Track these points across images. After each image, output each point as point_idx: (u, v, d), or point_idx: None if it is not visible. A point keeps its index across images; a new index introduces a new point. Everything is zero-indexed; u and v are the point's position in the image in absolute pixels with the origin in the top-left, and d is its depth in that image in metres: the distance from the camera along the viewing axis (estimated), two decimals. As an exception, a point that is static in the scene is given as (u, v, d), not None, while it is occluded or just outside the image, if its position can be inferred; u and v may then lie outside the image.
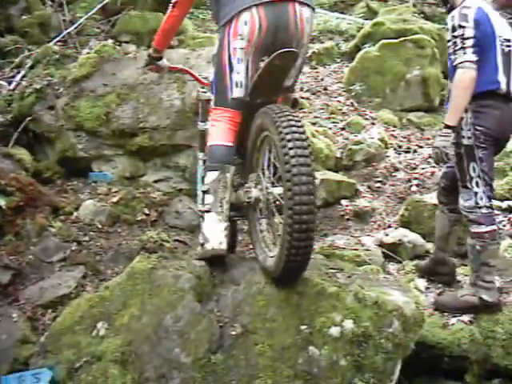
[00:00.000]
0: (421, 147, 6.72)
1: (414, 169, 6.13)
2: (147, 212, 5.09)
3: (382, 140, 6.43)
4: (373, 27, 9.17)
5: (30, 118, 5.84)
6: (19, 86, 6.37)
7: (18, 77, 6.81)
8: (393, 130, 7.14)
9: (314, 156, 5.61)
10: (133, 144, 5.61)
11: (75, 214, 4.99)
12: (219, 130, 3.50)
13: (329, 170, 5.78)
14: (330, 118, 7.25)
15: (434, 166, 6.19)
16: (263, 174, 3.33)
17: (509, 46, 3.88)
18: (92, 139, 5.70)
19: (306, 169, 2.88)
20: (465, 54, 3.69)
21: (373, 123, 7.20)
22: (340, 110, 7.56)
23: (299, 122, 3.04)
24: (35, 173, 5.37)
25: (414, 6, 12.31)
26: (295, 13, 3.35)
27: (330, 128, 6.79)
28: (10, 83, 6.78)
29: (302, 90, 8.14)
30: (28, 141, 5.88)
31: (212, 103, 3.63)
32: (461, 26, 3.72)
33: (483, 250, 3.75)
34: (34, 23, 8.55)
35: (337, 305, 3.13)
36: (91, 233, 4.80)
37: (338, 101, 7.86)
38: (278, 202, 3.14)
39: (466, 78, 3.68)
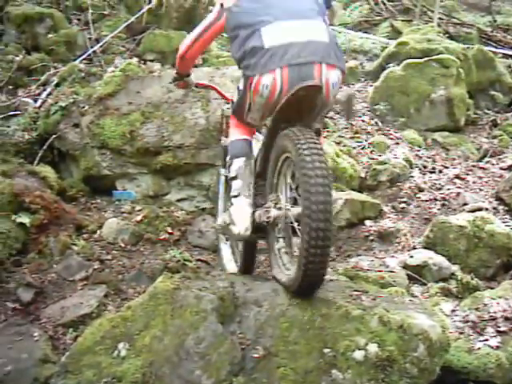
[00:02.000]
0: (446, 167, 6.65)
1: (439, 189, 6.05)
2: (170, 231, 5.07)
3: (406, 160, 6.37)
4: (397, 47, 9.15)
5: (55, 136, 5.88)
6: (45, 104, 6.42)
7: (44, 94, 6.87)
8: (417, 150, 7.07)
9: (339, 176, 5.66)
10: (157, 162, 5.62)
11: (98, 232, 4.99)
12: (237, 129, 3.79)
13: (353, 189, 5.73)
14: (354, 137, 7.21)
15: (459, 187, 6.12)
16: (283, 194, 3.44)
17: None
18: (116, 157, 5.72)
19: (324, 189, 2.96)
20: None
21: (397, 143, 7.15)
22: (364, 129, 7.52)
23: (319, 144, 3.12)
24: (59, 190, 5.38)
25: (439, 25, 12.28)
26: (321, 76, 3.30)
27: (354, 148, 6.75)
28: (35, 101, 6.85)
29: (325, 109, 8.11)
30: (53, 158, 5.92)
31: (231, 112, 3.90)
32: None
33: None
34: (60, 41, 8.63)
35: (361, 328, 3.08)
36: (114, 251, 4.79)
37: (363, 120, 7.82)
38: (296, 223, 3.19)
39: None
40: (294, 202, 3.28)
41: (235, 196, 3.58)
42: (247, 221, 3.52)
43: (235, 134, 3.79)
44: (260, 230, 3.58)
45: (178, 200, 5.64)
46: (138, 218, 5.11)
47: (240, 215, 3.54)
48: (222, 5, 3.64)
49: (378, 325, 3.08)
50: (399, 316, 3.15)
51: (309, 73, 3.28)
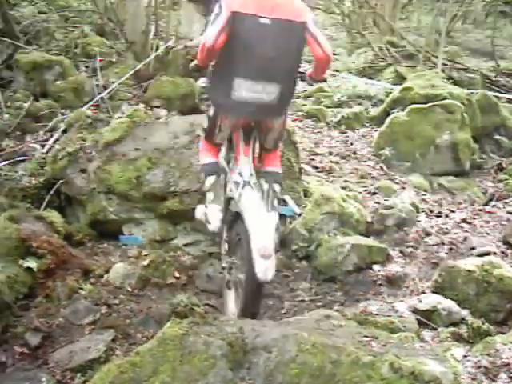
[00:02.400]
0: (452, 212, 6.64)
1: (446, 233, 6.02)
2: (177, 275, 5.04)
3: (413, 204, 6.36)
4: (401, 92, 9.26)
5: (62, 181, 5.90)
6: (52, 150, 6.47)
7: (51, 140, 6.93)
8: (423, 195, 7.10)
9: (345, 220, 5.66)
10: (163, 207, 5.62)
11: (105, 276, 4.96)
12: (208, 153, 4.84)
13: (360, 234, 5.71)
14: (360, 182, 7.24)
15: (466, 231, 6.11)
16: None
17: None
18: (123, 202, 5.72)
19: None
20: None
21: (403, 187, 7.17)
22: (370, 174, 7.57)
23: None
24: (66, 235, 5.36)
25: (443, 71, 12.44)
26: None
27: (360, 192, 6.77)
28: (43, 146, 6.91)
29: (331, 154, 8.19)
30: (60, 203, 5.93)
31: (202, 138, 4.92)
32: None
33: None
34: (68, 88, 8.75)
35: (372, 375, 3.03)
36: (121, 296, 4.75)
37: (368, 165, 7.88)
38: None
39: None
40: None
41: (210, 203, 4.67)
42: (218, 221, 4.61)
43: (207, 157, 4.82)
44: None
45: (185, 245, 5.62)
46: (145, 262, 5.08)
47: (213, 217, 4.63)
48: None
49: (389, 371, 3.04)
50: (410, 362, 3.11)
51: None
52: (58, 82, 8.80)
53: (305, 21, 4.15)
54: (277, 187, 4.73)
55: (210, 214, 4.64)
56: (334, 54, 15.26)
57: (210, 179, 4.70)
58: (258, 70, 4.15)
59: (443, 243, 5.80)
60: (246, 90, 4.19)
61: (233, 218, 4.60)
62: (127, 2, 9.79)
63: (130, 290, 4.85)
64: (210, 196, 4.68)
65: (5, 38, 9.93)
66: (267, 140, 4.73)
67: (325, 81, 5.13)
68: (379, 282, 5.13)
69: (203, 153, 4.87)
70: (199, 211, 4.92)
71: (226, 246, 4.85)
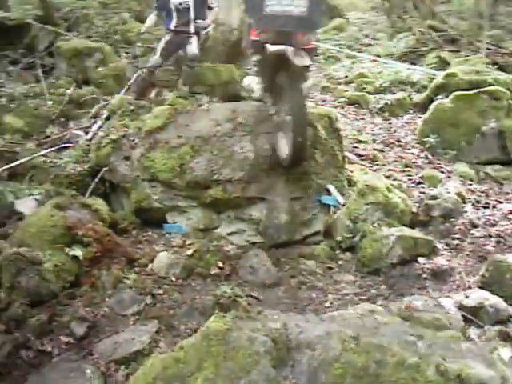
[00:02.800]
0: (500, 202, 6.50)
1: (494, 225, 5.89)
2: (221, 265, 5.03)
3: (459, 194, 6.24)
4: (445, 78, 9.09)
5: (106, 169, 5.94)
6: (96, 136, 6.50)
7: (95, 127, 6.98)
8: (470, 184, 6.95)
9: (390, 211, 5.58)
10: (207, 196, 5.62)
11: (150, 265, 4.99)
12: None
13: (405, 225, 5.62)
14: (404, 171, 7.13)
15: (515, 223, 5.98)
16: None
17: None
18: (167, 190, 5.74)
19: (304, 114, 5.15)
20: None
21: (449, 177, 7.04)
22: (414, 162, 7.45)
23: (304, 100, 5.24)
24: (111, 223, 5.40)
25: (487, 56, 12.16)
26: None
27: (404, 182, 6.67)
28: (86, 133, 6.96)
29: (374, 141, 8.08)
30: (104, 190, 5.99)
31: None
32: None
33: None
34: (109, 75, 8.82)
35: (417, 377, 3.00)
36: (165, 286, 4.76)
37: (412, 153, 7.75)
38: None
39: None
40: None
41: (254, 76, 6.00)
42: (259, 90, 5.99)
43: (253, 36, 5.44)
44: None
45: (229, 234, 5.62)
46: (189, 252, 5.08)
47: (254, 85, 6.11)
48: None
49: (435, 374, 3.00)
50: (457, 365, 3.06)
51: None
52: (100, 69, 8.87)
53: None
54: None
55: (254, 83, 6.01)
56: (375, 39, 15.09)
57: (256, 57, 5.59)
58: None
59: (490, 235, 5.68)
60: (276, 4, 5.02)
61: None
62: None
63: (174, 279, 4.87)
64: (253, 71, 5.96)
65: (45, 25, 10.03)
66: None
67: None
68: (424, 276, 5.03)
69: (252, 32, 5.46)
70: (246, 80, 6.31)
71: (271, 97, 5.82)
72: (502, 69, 11.12)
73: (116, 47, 10.43)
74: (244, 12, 5.93)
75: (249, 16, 5.54)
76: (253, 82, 6.12)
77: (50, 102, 7.95)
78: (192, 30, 7.96)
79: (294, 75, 5.19)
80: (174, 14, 7.81)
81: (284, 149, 5.47)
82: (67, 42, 9.43)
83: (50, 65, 9.50)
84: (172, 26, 7.83)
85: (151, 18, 7.99)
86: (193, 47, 8.01)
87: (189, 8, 7.87)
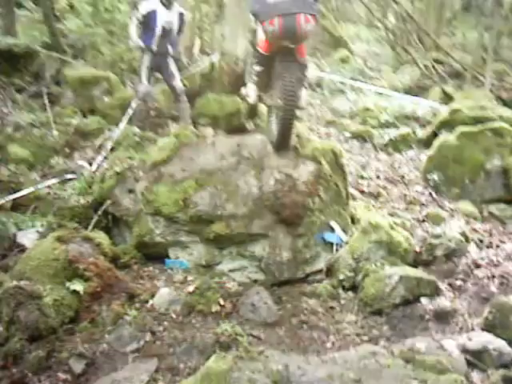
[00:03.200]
0: (503, 242, 6.47)
1: (497, 266, 5.85)
2: (222, 303, 4.98)
3: (462, 234, 6.21)
4: (450, 114, 9.11)
5: (109, 201, 5.92)
6: (100, 168, 6.51)
7: (100, 158, 6.98)
8: (473, 223, 6.93)
9: (393, 249, 5.56)
10: (209, 231, 5.57)
11: (151, 301, 4.95)
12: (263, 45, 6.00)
13: (408, 264, 5.59)
14: (408, 208, 7.12)
15: (517, 264, 5.94)
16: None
17: None
18: (169, 225, 5.71)
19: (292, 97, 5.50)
20: None
21: (452, 215, 7.04)
22: (418, 200, 7.44)
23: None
24: (113, 257, 5.38)
25: (491, 90, 12.22)
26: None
27: (408, 220, 6.65)
28: (91, 164, 6.96)
29: (378, 177, 8.08)
30: (107, 223, 5.96)
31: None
32: None
33: None
34: (115, 104, 8.85)
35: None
36: (165, 322, 4.72)
37: (416, 190, 7.76)
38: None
39: None
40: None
41: (253, 82, 6.42)
42: (255, 95, 6.49)
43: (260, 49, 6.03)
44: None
45: (230, 270, 5.58)
46: (190, 288, 5.05)
47: (253, 94, 6.48)
48: None
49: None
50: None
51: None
52: (106, 99, 8.91)
53: None
54: None
55: (250, 89, 6.44)
56: (380, 71, 15.16)
57: (258, 68, 6.21)
58: None
59: (494, 276, 5.64)
60: None
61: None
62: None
63: (174, 316, 4.83)
64: (253, 79, 6.40)
65: (52, 53, 10.10)
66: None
67: None
68: (427, 317, 4.99)
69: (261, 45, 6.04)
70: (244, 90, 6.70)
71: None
72: (506, 104, 11.18)
73: (122, 76, 10.50)
74: (251, 13, 6.08)
75: (255, 13, 5.90)
76: (250, 89, 6.50)
77: (55, 132, 7.97)
78: (171, 51, 8.10)
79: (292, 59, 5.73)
80: (158, 33, 7.90)
81: (273, 131, 6.06)
82: (74, 70, 9.48)
83: (56, 93, 9.53)
84: (154, 45, 7.91)
85: (135, 29, 8.05)
86: (178, 82, 8.16)
87: (172, 29, 8.00)
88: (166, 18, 7.95)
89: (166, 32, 7.98)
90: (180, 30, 8.29)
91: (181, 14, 8.19)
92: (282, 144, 5.93)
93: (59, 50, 10.41)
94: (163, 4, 7.93)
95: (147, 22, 7.89)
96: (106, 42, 12.43)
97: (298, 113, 5.93)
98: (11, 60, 9.64)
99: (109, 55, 11.63)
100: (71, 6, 14.62)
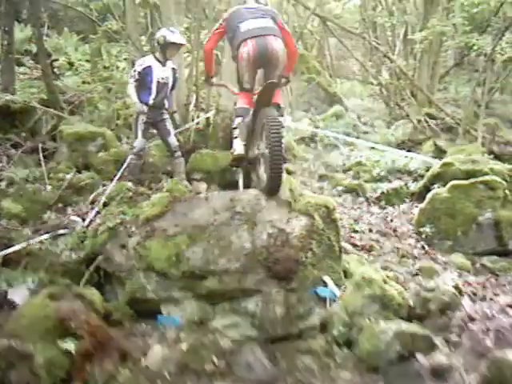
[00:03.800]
0: (497, 295, 6.44)
1: (492, 319, 5.80)
2: (216, 361, 4.92)
3: (455, 287, 6.19)
4: (442, 167, 9.20)
5: (101, 257, 5.92)
6: (93, 223, 6.51)
7: (92, 213, 6.98)
8: (466, 276, 6.92)
9: (386, 304, 5.52)
10: (202, 287, 5.55)
11: (143, 360, 4.88)
12: (242, 100, 6.68)
13: (402, 318, 5.54)
14: (400, 261, 7.12)
15: (513, 317, 5.91)
16: (262, 142, 6.18)
17: None
18: (162, 280, 5.68)
19: (279, 142, 5.65)
20: None
21: (445, 268, 7.03)
22: (411, 253, 7.44)
23: (279, 122, 5.78)
24: (105, 314, 5.34)
25: (483, 144, 12.35)
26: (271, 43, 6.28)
27: (401, 273, 6.63)
28: (83, 219, 6.96)
29: (371, 231, 8.10)
30: (99, 280, 5.93)
31: (238, 91, 6.84)
32: None
33: None
34: (110, 160, 8.89)
35: None
36: (159, 382, 4.65)
37: (409, 243, 7.76)
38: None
39: None
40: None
41: (236, 137, 6.70)
42: (241, 148, 6.61)
43: (240, 102, 6.66)
44: (251, 161, 6.69)
45: (224, 327, 5.51)
46: (184, 346, 4.99)
47: (238, 146, 6.63)
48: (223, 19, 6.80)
49: None
50: None
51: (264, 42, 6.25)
52: (100, 154, 8.96)
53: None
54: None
55: (236, 144, 6.65)
56: (373, 126, 15.35)
57: (238, 119, 6.65)
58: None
59: (489, 330, 5.59)
60: (246, 25, 6.38)
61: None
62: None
63: (167, 376, 4.75)
64: (236, 132, 6.71)
65: (49, 109, 10.21)
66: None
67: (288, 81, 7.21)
68: (424, 374, 4.92)
69: (239, 99, 6.74)
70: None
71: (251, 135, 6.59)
72: (498, 158, 11.28)
73: (118, 132, 10.60)
74: (229, 44, 6.88)
75: (231, 42, 6.69)
76: (236, 144, 6.71)
77: (49, 187, 7.99)
78: (167, 105, 8.24)
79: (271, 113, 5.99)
80: (154, 89, 8.05)
81: (263, 178, 6.22)
82: (70, 126, 9.56)
83: (51, 149, 9.61)
84: (150, 100, 8.03)
85: (134, 90, 8.16)
86: (173, 138, 8.29)
87: (167, 83, 8.15)
88: (161, 73, 8.12)
89: (161, 87, 8.13)
90: (173, 86, 8.43)
91: (174, 70, 8.36)
92: (273, 191, 6.02)
93: (56, 106, 10.53)
94: (158, 60, 8.12)
95: (143, 78, 8.05)
96: (103, 99, 12.63)
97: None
98: (8, 116, 9.77)
99: (105, 111, 11.80)
100: (70, 64, 14.91)
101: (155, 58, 8.19)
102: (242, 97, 6.69)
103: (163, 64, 8.18)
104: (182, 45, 8.34)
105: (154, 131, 8.65)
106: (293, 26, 18.89)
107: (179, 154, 8.42)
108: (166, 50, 8.11)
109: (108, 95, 12.55)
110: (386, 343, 5.10)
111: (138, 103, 8.04)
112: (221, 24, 6.81)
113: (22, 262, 6.11)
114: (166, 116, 8.39)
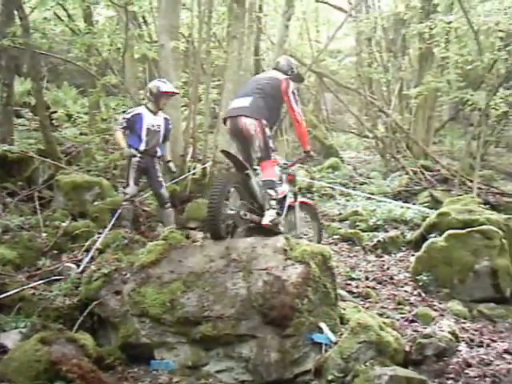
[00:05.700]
0: (494, 341, 6.39)
1: (489, 365, 5.75)
2: (209, 407, 4.86)
3: (452, 333, 6.13)
4: (438, 217, 9.22)
5: (96, 302, 5.90)
6: (87, 270, 6.51)
7: (87, 260, 6.99)
8: (463, 323, 6.88)
9: (383, 349, 5.45)
10: (196, 332, 5.51)
11: (135, 406, 4.82)
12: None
13: (398, 364, 5.47)
14: (397, 308, 7.09)
15: (509, 362, 5.84)
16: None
17: None
18: (156, 326, 5.66)
19: None
20: None
21: (442, 315, 6.99)
22: (407, 300, 7.42)
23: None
24: (97, 358, 5.28)
25: (478, 195, 12.41)
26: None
27: (397, 319, 6.59)
28: (78, 266, 6.97)
29: (367, 278, 8.09)
30: (92, 324, 5.91)
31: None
32: None
33: None
34: (105, 209, 8.92)
35: None
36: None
37: (405, 291, 7.74)
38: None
39: None
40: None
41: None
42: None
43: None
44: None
45: (217, 371, 5.46)
46: (177, 391, 4.94)
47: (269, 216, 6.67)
48: None
49: None
50: None
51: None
52: (96, 203, 9.00)
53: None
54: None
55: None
56: (369, 178, 15.46)
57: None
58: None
59: (485, 375, 5.52)
60: (232, 104, 6.86)
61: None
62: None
63: (159, 424, 4.68)
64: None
65: (47, 159, 10.30)
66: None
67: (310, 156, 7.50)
68: (420, 421, 4.85)
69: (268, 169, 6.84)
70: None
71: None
72: (493, 208, 11.33)
73: (115, 182, 10.68)
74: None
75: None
76: None
77: (44, 234, 8.00)
78: (159, 153, 8.28)
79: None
80: (144, 136, 8.14)
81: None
82: (67, 175, 9.62)
83: (48, 197, 9.65)
84: (141, 146, 8.12)
85: (122, 136, 8.27)
86: (164, 190, 8.35)
87: (158, 131, 8.23)
88: (151, 121, 8.22)
89: (152, 134, 8.19)
90: (166, 135, 8.48)
91: (166, 119, 8.45)
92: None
93: (54, 156, 10.60)
94: (149, 110, 8.24)
95: (132, 125, 8.15)
96: (101, 150, 12.75)
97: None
98: (5, 166, 9.83)
99: (102, 161, 11.90)
100: (69, 116, 15.10)
101: (146, 107, 8.34)
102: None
103: (154, 113, 8.29)
104: (174, 94, 8.49)
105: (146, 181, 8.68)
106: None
107: (169, 205, 8.46)
108: (159, 99, 8.26)
109: (105, 146, 12.67)
110: (381, 389, 5.02)
111: (126, 149, 8.12)
112: None
113: (15, 307, 6.09)
114: (158, 164, 8.42)
